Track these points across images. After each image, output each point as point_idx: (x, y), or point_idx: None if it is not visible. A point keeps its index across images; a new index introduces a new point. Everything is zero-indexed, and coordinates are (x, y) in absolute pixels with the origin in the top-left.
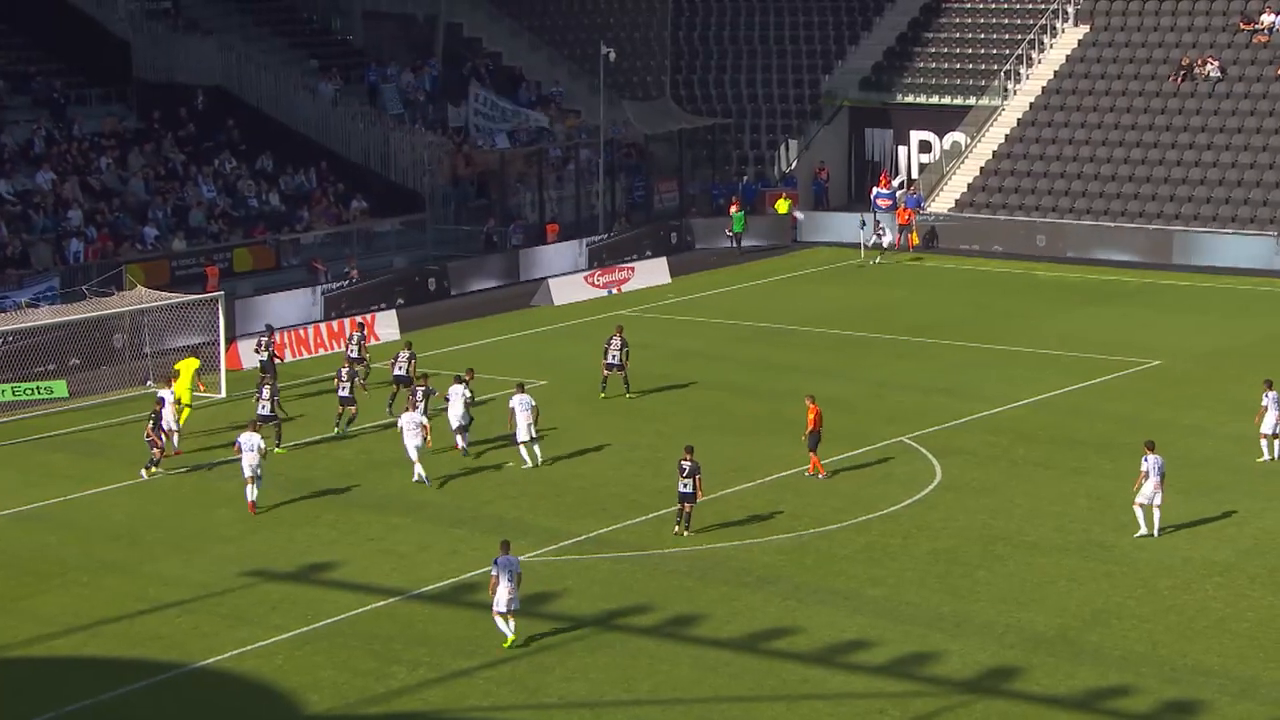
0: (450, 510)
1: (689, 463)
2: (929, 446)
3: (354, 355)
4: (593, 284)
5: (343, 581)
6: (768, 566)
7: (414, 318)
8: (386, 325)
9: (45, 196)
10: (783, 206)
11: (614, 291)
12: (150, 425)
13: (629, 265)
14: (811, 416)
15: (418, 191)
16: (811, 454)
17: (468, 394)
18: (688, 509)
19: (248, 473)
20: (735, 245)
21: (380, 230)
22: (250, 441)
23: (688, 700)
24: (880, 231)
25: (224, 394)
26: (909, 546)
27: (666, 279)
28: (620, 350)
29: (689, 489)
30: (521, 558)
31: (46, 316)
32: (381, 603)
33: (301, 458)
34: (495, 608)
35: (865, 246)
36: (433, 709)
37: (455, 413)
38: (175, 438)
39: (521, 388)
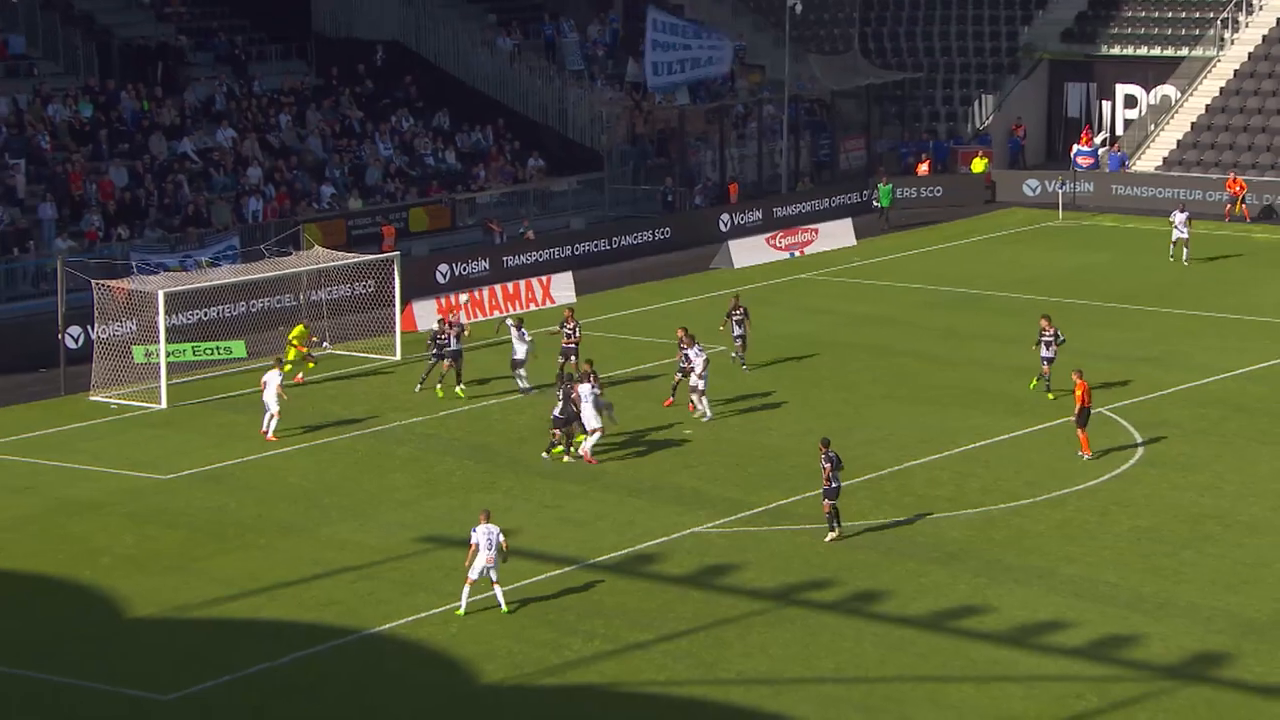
0: (628, 479)
1: (829, 457)
2: (1131, 419)
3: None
4: (774, 246)
5: (518, 549)
6: (956, 542)
7: (588, 280)
8: (562, 287)
9: (225, 154)
10: (978, 165)
11: (796, 254)
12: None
13: (813, 227)
14: (1079, 393)
15: (595, 150)
16: (1080, 432)
17: (596, 391)
18: (829, 506)
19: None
20: (884, 220)
21: (557, 190)
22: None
23: (871, 679)
24: (1182, 227)
25: (399, 356)
26: (1107, 524)
27: (852, 241)
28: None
29: (834, 484)
30: (699, 529)
31: (227, 275)
32: (557, 571)
33: (476, 422)
34: (469, 574)
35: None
36: (608, 682)
37: (588, 415)
38: (271, 421)
39: (693, 340)
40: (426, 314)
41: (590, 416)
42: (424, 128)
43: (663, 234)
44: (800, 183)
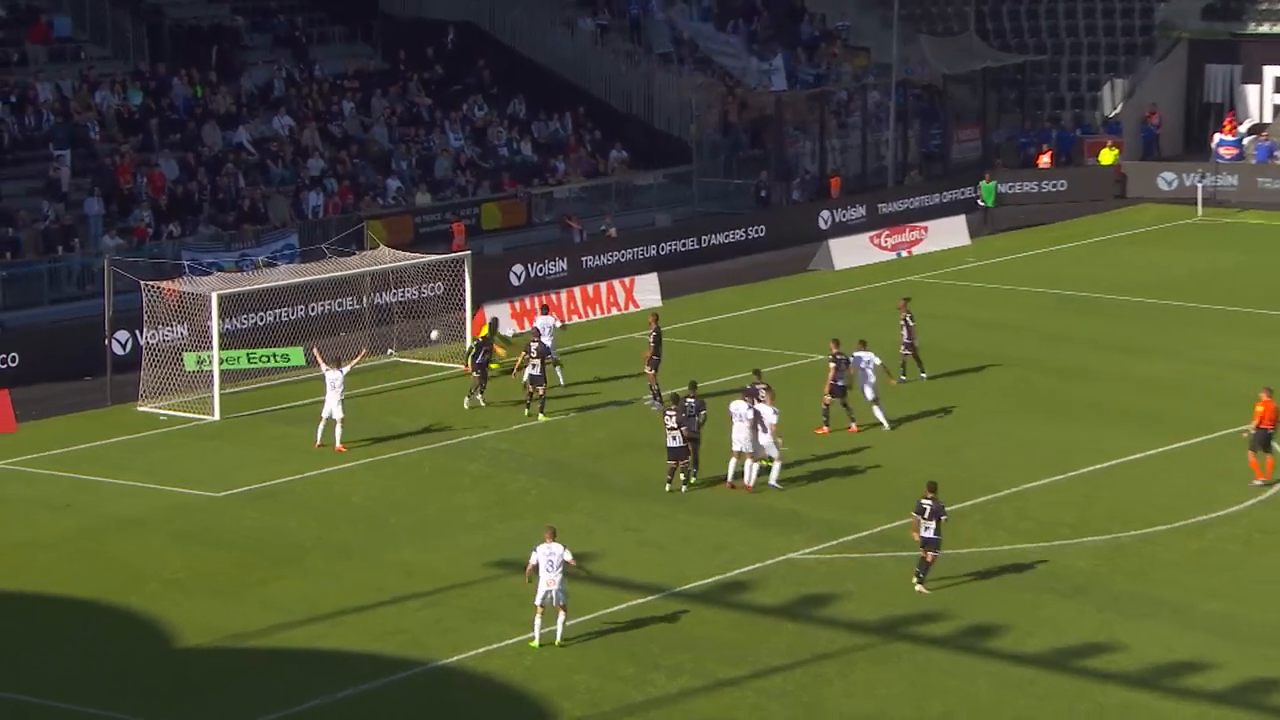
0: (715, 499)
1: (931, 502)
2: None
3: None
4: (879, 245)
5: (598, 575)
6: (1080, 572)
7: (675, 283)
8: (647, 290)
9: (283, 144)
10: (1107, 157)
11: (904, 254)
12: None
13: (922, 225)
14: (1262, 410)
15: (684, 140)
16: (1251, 455)
17: (758, 411)
18: (930, 558)
19: None
20: (987, 222)
21: (641, 184)
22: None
23: None
24: None
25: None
26: (1252, 554)
27: (966, 240)
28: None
29: (931, 533)
30: (795, 554)
31: (285, 277)
32: (640, 600)
33: (551, 437)
34: (535, 600)
35: None
36: None
37: (746, 438)
38: (337, 429)
39: (864, 345)
40: (501, 318)
41: (766, 443)
42: (498, 116)
43: (757, 232)
44: (908, 176)
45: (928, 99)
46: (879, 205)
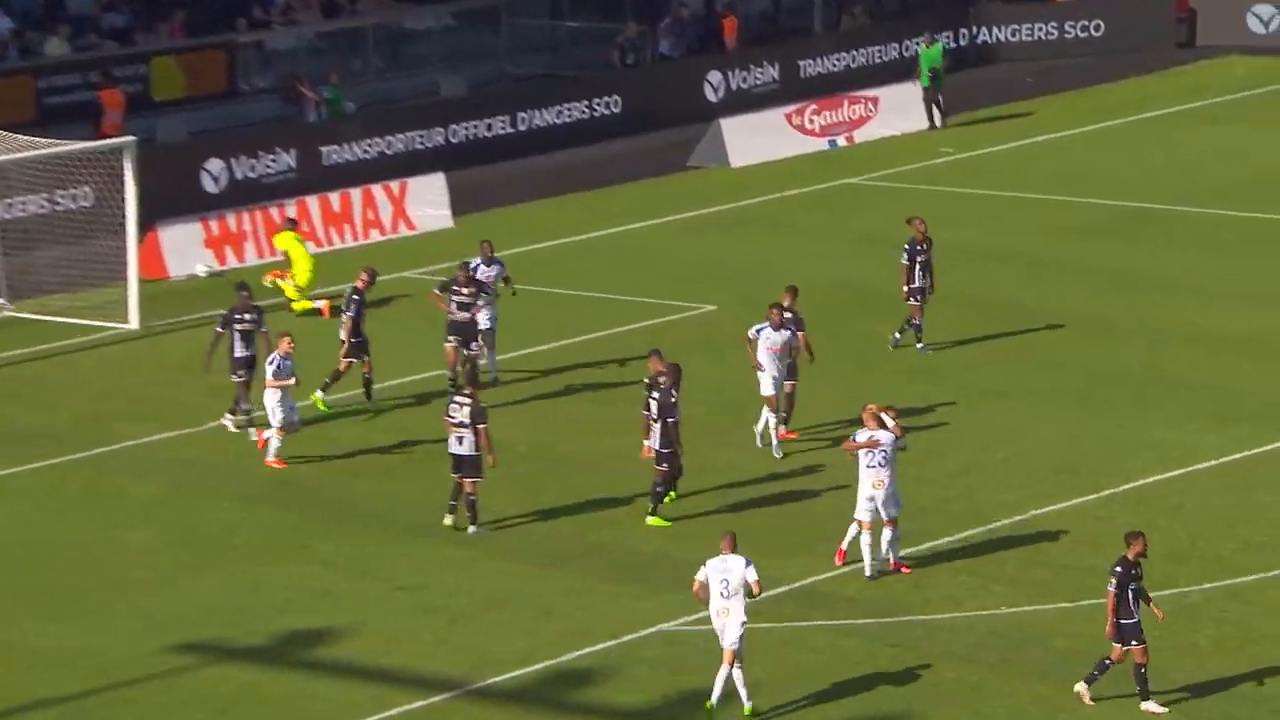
0: (549, 539)
1: (1124, 569)
2: None
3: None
4: (802, 129)
5: (339, 664)
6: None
7: (474, 188)
8: (428, 200)
9: None
10: None
11: (839, 142)
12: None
13: (868, 95)
14: None
15: None
16: None
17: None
18: (1137, 657)
19: None
20: (933, 110)
21: (414, 29)
22: None
23: None
24: None
25: (136, 322)
26: None
27: (938, 120)
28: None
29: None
30: (671, 624)
31: None
32: (419, 702)
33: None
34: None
35: None
36: None
37: None
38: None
39: (787, 310)
40: (186, 247)
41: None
42: None
43: (606, 107)
44: (847, 15)
45: None
46: (800, 63)
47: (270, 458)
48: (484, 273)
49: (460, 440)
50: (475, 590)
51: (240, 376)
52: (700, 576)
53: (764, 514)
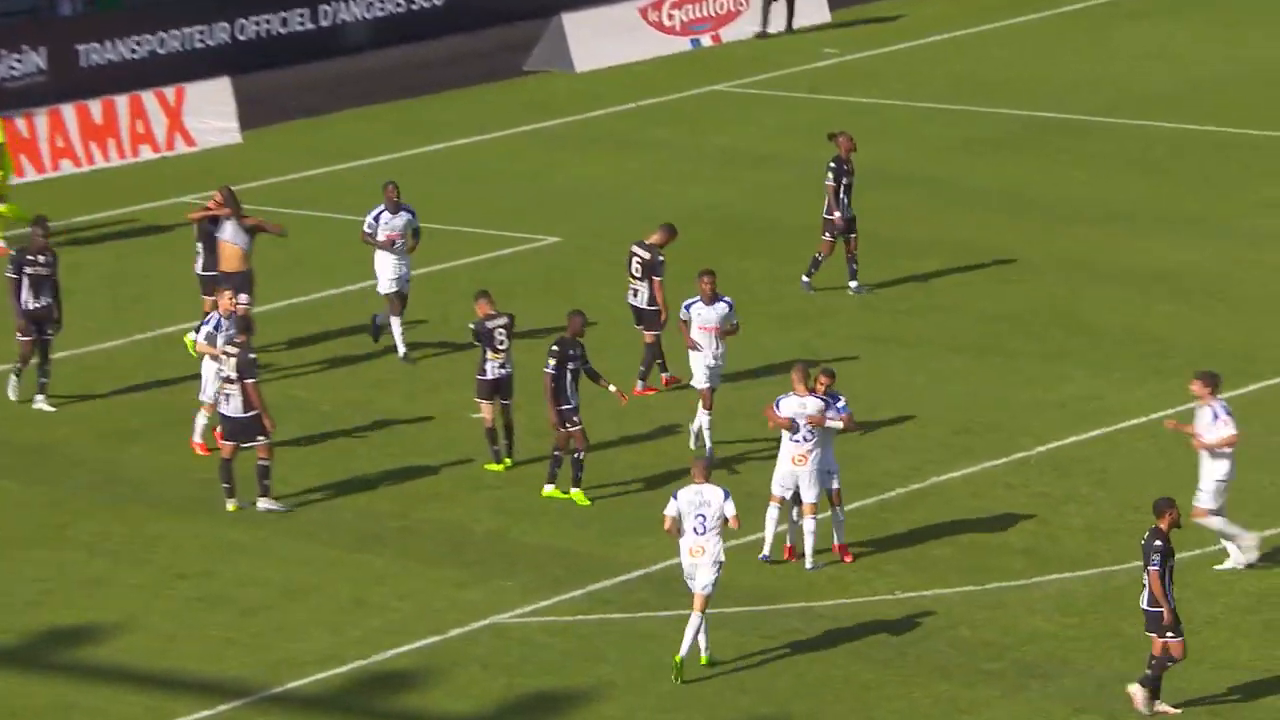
0: (366, 514)
1: (1162, 543)
2: None
3: None
4: (659, 26)
5: (106, 668)
6: (1041, 634)
7: (263, 93)
8: (212, 111)
9: None
10: None
11: (704, 42)
12: None
13: None
14: None
15: None
16: None
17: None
18: (1176, 651)
19: None
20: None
21: None
22: None
23: None
24: None
25: None
26: None
27: (824, 15)
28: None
29: (1154, 602)
30: (505, 615)
31: None
32: (204, 712)
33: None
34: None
35: None
36: None
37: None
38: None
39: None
40: None
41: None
42: None
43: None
44: None
45: None
46: None
47: (197, 438)
48: (389, 223)
49: (228, 399)
50: (271, 578)
51: (28, 335)
52: (671, 510)
53: (616, 486)
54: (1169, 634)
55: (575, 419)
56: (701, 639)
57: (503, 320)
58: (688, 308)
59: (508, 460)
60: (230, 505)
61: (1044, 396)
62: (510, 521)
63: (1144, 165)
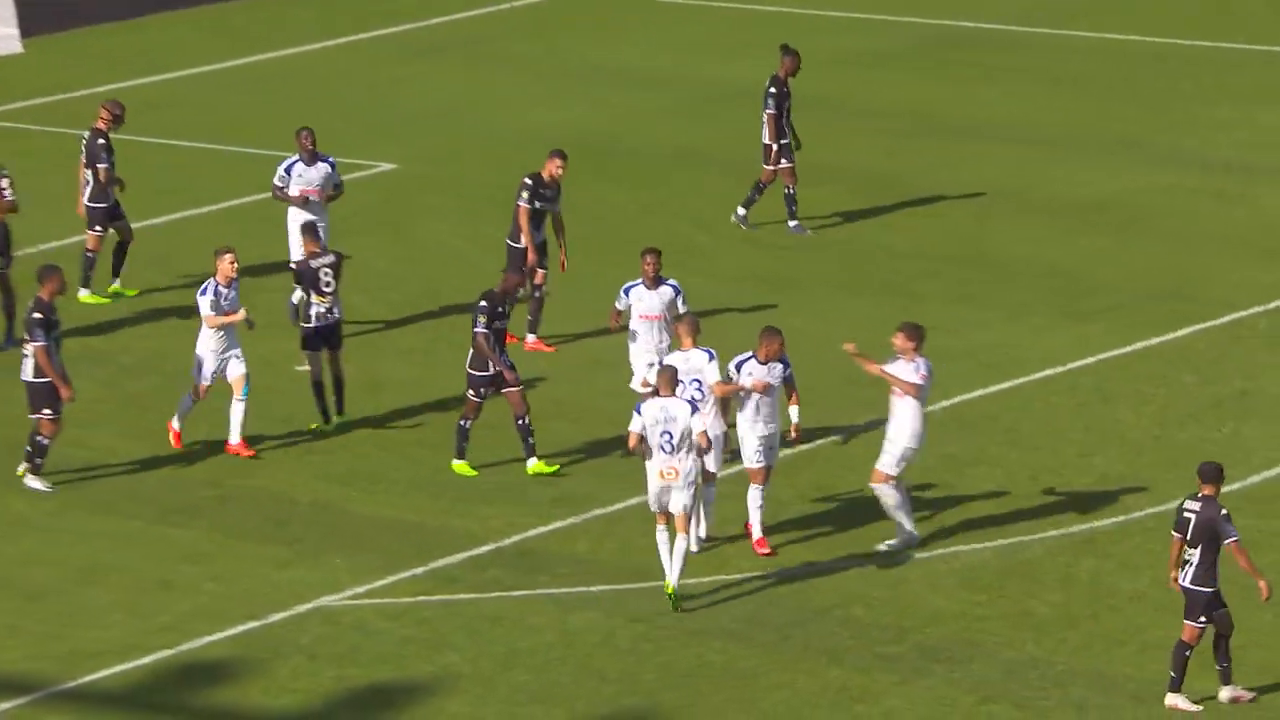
0: (167, 482)
1: (1198, 508)
2: None
3: None
4: None
5: None
6: (947, 614)
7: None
8: None
9: None
10: None
11: None
12: None
13: None
14: None
15: None
16: None
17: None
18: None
19: None
20: None
21: None
22: None
23: None
24: None
25: None
26: None
27: None
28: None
29: (1199, 579)
30: (333, 598)
31: None
32: None
33: None
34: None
35: None
36: None
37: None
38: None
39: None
40: None
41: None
42: None
43: None
44: None
45: None
46: None
47: (176, 424)
48: (303, 176)
49: (25, 360)
50: (62, 557)
51: None
52: (635, 426)
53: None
54: (1209, 614)
55: (511, 377)
56: (677, 563)
57: (329, 259)
58: (626, 292)
59: (337, 417)
60: (20, 470)
61: (950, 344)
62: (340, 490)
63: (1065, 81)
